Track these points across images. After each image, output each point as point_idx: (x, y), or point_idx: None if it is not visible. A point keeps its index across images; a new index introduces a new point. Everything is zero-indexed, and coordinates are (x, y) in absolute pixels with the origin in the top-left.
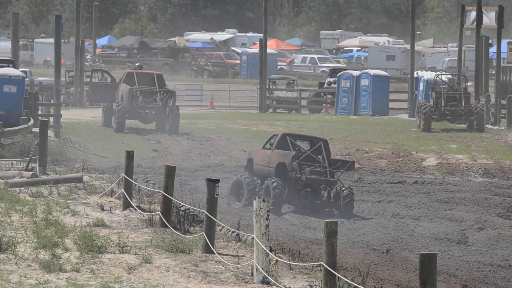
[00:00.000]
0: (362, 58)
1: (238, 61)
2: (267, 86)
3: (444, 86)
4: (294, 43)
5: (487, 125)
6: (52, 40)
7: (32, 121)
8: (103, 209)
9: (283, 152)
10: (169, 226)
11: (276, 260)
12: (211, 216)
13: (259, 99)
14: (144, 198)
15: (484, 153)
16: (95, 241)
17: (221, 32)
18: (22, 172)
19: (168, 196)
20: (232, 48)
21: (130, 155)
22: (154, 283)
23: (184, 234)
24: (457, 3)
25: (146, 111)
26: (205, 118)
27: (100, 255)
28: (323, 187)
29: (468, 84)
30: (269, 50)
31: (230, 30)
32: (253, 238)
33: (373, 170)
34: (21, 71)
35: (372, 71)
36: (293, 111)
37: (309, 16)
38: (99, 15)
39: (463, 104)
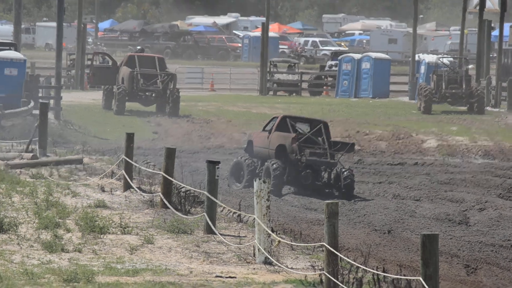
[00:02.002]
0: (364, 41)
1: (239, 45)
2: (268, 69)
3: (445, 69)
4: (296, 27)
5: (488, 108)
6: (54, 24)
7: (32, 104)
8: (103, 191)
9: (283, 134)
10: (170, 207)
11: (279, 241)
12: (212, 197)
13: (259, 82)
14: (144, 179)
15: (484, 135)
16: (97, 222)
17: (223, 16)
18: (23, 153)
19: (169, 177)
20: (234, 31)
21: (130, 137)
22: (156, 263)
23: (185, 215)
24: None
25: (147, 93)
26: (205, 101)
27: (102, 236)
28: (323, 169)
29: (470, 66)
30: (271, 34)
31: (233, 13)
32: (254, 219)
33: (373, 152)
34: None
35: (374, 54)
36: (294, 94)
37: (312, 0)
38: None
39: (463, 86)
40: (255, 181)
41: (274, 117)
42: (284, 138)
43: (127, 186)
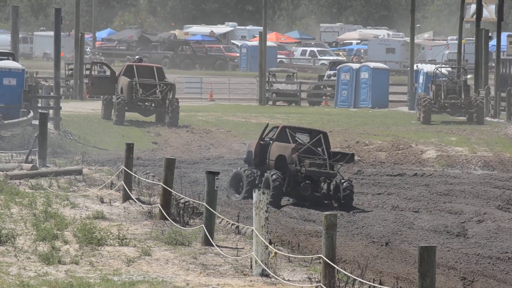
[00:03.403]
0: (362, 51)
1: (237, 54)
2: (267, 79)
3: (443, 79)
4: (293, 36)
5: (487, 118)
6: (51, 33)
7: (31, 114)
8: (102, 202)
9: (282, 144)
10: (168, 218)
11: (275, 253)
12: (210, 209)
13: (258, 92)
14: (143, 190)
15: (483, 146)
16: (95, 234)
17: (220, 25)
18: (22, 164)
19: (168, 188)
20: (232, 41)
21: (129, 148)
22: (153, 275)
23: (183, 226)
24: None
25: (146, 103)
26: (204, 111)
27: (99, 248)
28: (322, 180)
29: (468, 76)
30: (268, 43)
31: (230, 23)
32: (252, 230)
33: (372, 162)
34: None
35: (372, 64)
36: (293, 104)
37: (309, 9)
38: (99, 8)
39: (462, 96)
40: (254, 192)
41: (273, 127)
42: (284, 149)
43: (126, 197)
